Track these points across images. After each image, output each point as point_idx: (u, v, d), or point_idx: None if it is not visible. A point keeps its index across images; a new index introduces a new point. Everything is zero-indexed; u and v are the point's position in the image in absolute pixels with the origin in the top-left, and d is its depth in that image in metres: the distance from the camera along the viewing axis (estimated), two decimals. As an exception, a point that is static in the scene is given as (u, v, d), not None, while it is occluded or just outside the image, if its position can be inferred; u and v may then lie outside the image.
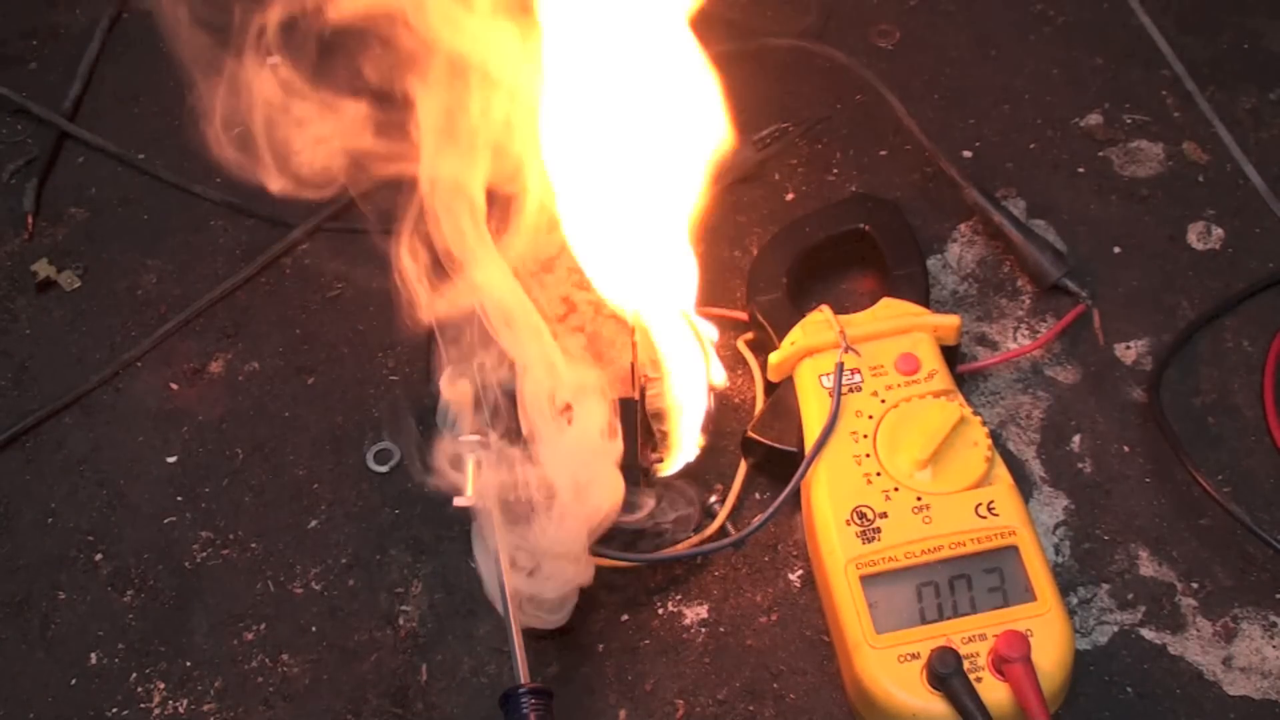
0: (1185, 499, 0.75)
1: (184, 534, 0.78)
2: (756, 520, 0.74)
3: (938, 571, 0.67)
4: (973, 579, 0.67)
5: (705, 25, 0.98)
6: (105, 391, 0.84)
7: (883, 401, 0.73)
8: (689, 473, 0.76)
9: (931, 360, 0.75)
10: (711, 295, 0.82)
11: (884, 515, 0.69)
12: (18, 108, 0.97)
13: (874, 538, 0.69)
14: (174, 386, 0.84)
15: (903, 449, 0.71)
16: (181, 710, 0.72)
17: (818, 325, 0.76)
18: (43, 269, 0.88)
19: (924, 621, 0.66)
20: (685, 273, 0.77)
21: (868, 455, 0.71)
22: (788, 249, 0.82)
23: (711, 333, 0.79)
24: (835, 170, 0.91)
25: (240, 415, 0.82)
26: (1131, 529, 0.75)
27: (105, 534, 0.78)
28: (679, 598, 0.74)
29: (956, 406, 0.71)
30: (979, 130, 0.92)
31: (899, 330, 0.76)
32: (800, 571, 0.75)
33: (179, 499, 0.79)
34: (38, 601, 0.76)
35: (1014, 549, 0.68)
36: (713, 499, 0.76)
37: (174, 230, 0.91)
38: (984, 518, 0.69)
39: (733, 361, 0.82)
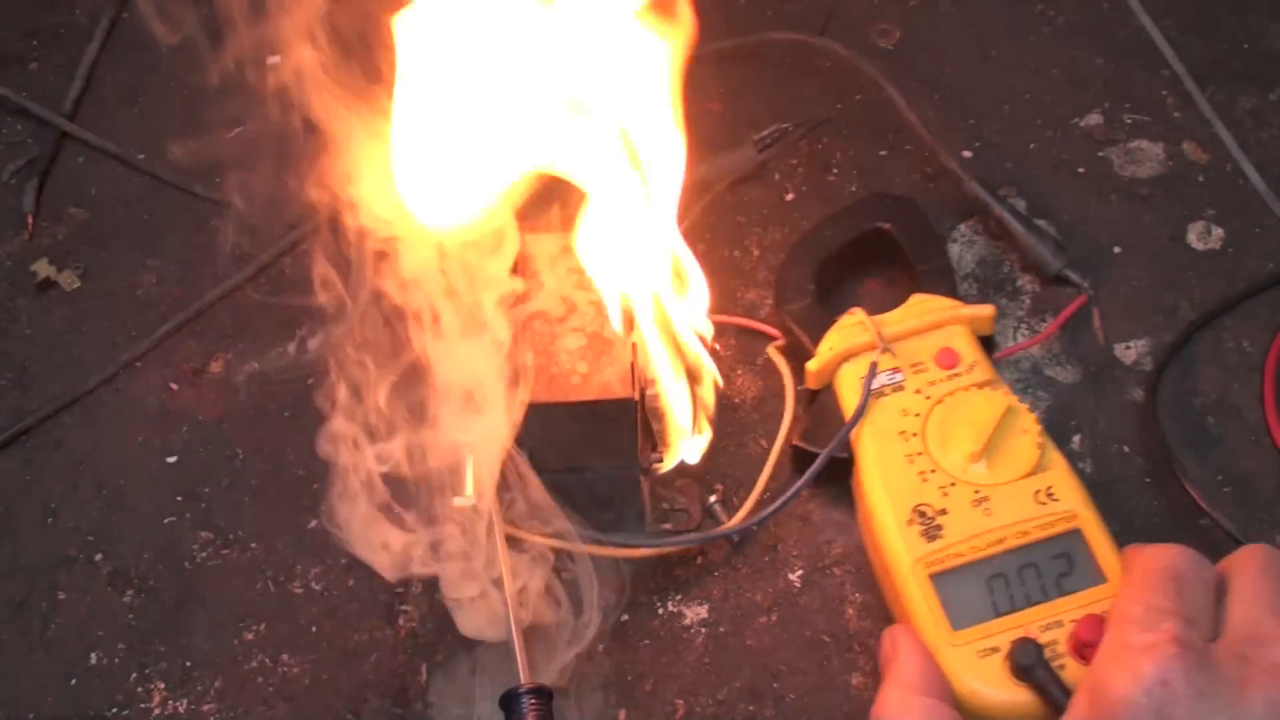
0: (1185, 499, 0.75)
1: (184, 534, 0.78)
2: (756, 513, 0.74)
3: (1005, 562, 0.67)
4: (1041, 566, 0.66)
5: (705, 24, 0.98)
6: (105, 391, 0.84)
7: (927, 398, 0.73)
8: (688, 472, 0.77)
9: (970, 352, 0.74)
10: (712, 295, 0.82)
11: (944, 511, 0.69)
12: (18, 108, 0.97)
13: (937, 535, 0.68)
14: (174, 386, 0.84)
15: (954, 443, 0.70)
16: (181, 710, 0.72)
17: (853, 328, 0.76)
18: (43, 269, 0.88)
19: (998, 614, 0.65)
20: (691, 274, 0.77)
21: (920, 453, 0.71)
22: (812, 254, 0.81)
23: (708, 330, 0.78)
24: (835, 170, 0.91)
25: (240, 415, 0.82)
26: (1131, 529, 0.75)
27: (105, 534, 0.78)
28: (679, 598, 0.74)
29: (1003, 396, 0.71)
30: (979, 130, 0.92)
31: (934, 325, 0.75)
32: (800, 571, 0.75)
33: (179, 499, 0.79)
34: (38, 601, 0.76)
35: (1078, 532, 0.67)
36: (712, 498, 0.76)
37: (174, 230, 0.91)
38: (1044, 504, 0.68)
39: (733, 361, 0.82)
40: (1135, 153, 0.90)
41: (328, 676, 0.73)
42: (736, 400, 0.81)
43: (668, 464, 0.76)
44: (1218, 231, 0.86)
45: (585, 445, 0.71)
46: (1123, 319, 0.83)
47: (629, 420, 0.71)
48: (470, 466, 0.69)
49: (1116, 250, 0.86)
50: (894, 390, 0.73)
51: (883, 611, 0.73)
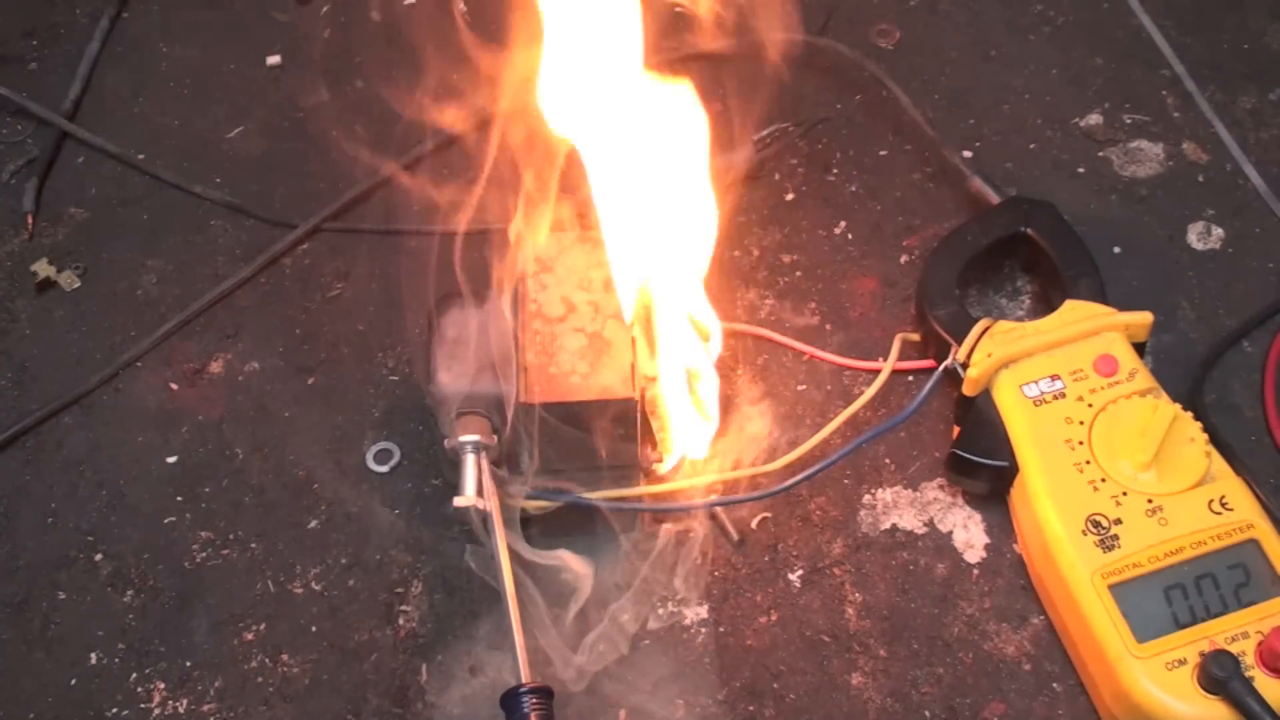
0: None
1: (184, 534, 0.78)
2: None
3: (1182, 573, 0.66)
4: (1218, 577, 0.66)
5: (705, 24, 0.98)
6: (105, 391, 0.84)
7: (1089, 405, 0.72)
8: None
9: (1129, 359, 0.73)
10: (712, 295, 0.82)
11: (1118, 521, 0.68)
12: (18, 108, 0.97)
13: (1114, 545, 0.67)
14: (174, 386, 0.84)
15: (1122, 452, 0.70)
16: (181, 710, 0.72)
17: (1008, 335, 0.75)
18: (43, 269, 0.88)
19: (1179, 626, 0.65)
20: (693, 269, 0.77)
21: (1088, 462, 0.70)
22: (954, 259, 0.81)
23: (714, 326, 0.78)
24: (835, 170, 0.91)
25: (240, 415, 0.82)
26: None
27: (105, 534, 0.78)
28: (679, 598, 0.74)
29: (1169, 404, 0.70)
30: (979, 130, 0.92)
31: (1090, 332, 0.75)
32: (800, 571, 0.75)
33: (179, 499, 0.79)
34: (38, 601, 0.76)
35: (1254, 542, 0.67)
36: (712, 497, 0.76)
37: (174, 230, 0.91)
38: (1218, 514, 0.68)
39: (733, 361, 0.82)
40: (1135, 153, 0.90)
41: (328, 676, 0.73)
42: (736, 400, 0.81)
43: (666, 461, 0.76)
44: (1218, 231, 0.86)
45: (585, 445, 0.71)
46: (1123, 319, 0.83)
47: (629, 420, 0.71)
48: (470, 467, 0.69)
49: (1116, 250, 0.86)
50: (1055, 398, 0.72)
51: (883, 612, 0.73)
